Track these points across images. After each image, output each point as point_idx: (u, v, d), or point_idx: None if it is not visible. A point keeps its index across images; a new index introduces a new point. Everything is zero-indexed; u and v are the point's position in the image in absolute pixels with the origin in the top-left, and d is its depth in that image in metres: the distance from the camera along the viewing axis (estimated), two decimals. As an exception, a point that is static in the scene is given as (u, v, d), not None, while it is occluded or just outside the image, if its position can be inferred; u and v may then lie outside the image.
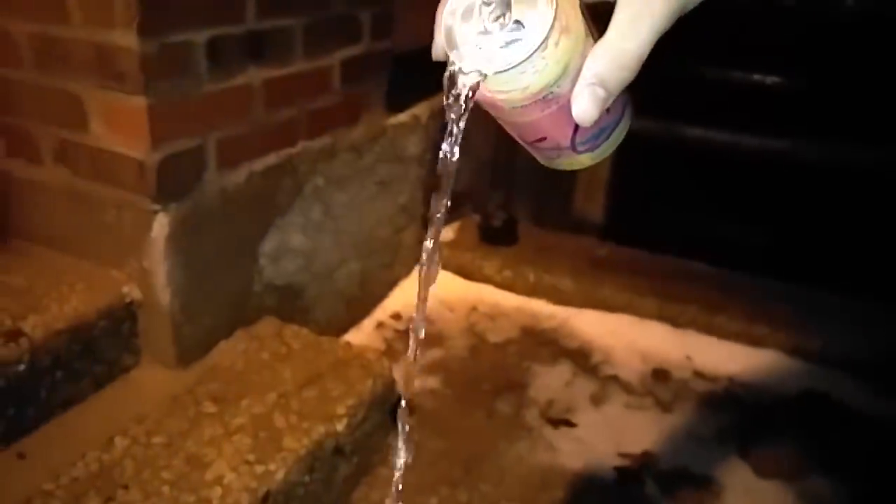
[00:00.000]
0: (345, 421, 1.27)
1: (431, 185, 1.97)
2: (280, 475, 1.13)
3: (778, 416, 1.63)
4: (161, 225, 1.22)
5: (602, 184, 2.20)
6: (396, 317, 1.85)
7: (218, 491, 1.08)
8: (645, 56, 0.43)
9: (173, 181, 1.22)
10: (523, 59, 0.42)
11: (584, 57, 0.43)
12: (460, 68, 0.43)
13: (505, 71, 0.42)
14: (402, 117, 1.81)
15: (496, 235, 2.09)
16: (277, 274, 1.50)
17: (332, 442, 1.25)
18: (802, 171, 1.96)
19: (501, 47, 0.43)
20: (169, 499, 1.06)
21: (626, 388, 1.68)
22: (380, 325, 1.82)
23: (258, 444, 1.17)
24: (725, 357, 1.79)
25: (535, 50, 0.41)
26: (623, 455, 1.49)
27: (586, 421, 1.58)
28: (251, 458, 1.15)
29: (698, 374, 1.74)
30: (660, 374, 1.73)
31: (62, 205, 1.30)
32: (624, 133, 0.51)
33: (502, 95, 0.44)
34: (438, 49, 0.45)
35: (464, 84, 0.43)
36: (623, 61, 0.43)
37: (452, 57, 0.44)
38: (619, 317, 1.90)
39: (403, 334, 1.81)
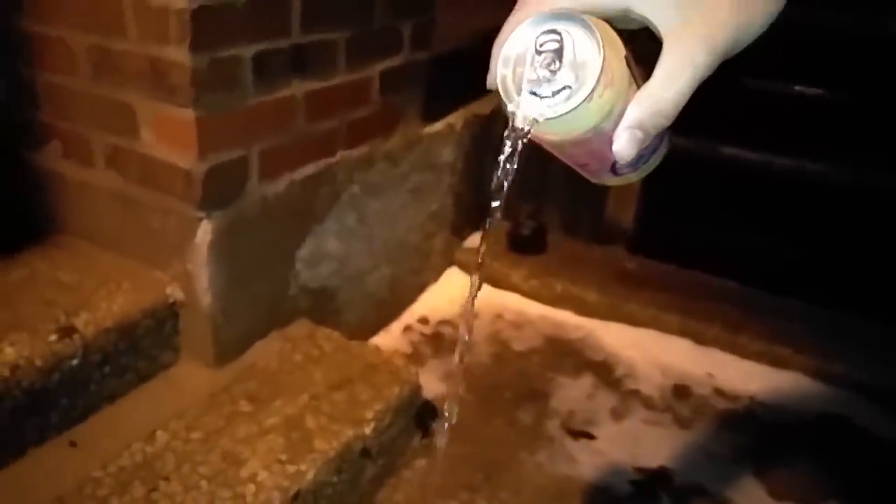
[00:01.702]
0: (372, 425, 1.32)
1: (462, 193, 2.02)
2: (310, 475, 1.19)
3: (796, 438, 1.65)
4: (205, 232, 1.28)
5: (633, 195, 2.22)
6: (423, 321, 1.90)
7: (252, 488, 1.14)
8: (683, 103, 0.48)
9: (218, 190, 1.27)
10: (570, 109, 0.47)
11: (627, 101, 0.49)
12: (514, 115, 0.49)
13: (554, 119, 0.48)
14: (438, 126, 1.85)
15: (525, 244, 2.12)
16: (312, 278, 1.56)
17: (360, 444, 1.30)
18: (835, 193, 1.96)
19: (551, 97, 0.48)
20: (207, 493, 1.12)
21: (647, 402, 1.72)
22: (407, 328, 1.87)
23: (290, 444, 1.23)
24: (746, 376, 1.81)
25: (582, 102, 0.47)
26: (639, 469, 1.53)
27: (606, 434, 1.61)
28: (283, 457, 1.21)
29: (719, 392, 1.76)
30: (680, 390, 1.76)
31: (111, 206, 1.36)
32: (661, 157, 0.58)
33: (550, 136, 0.50)
34: (492, 80, 0.50)
35: (518, 128, 0.49)
36: (661, 108, 0.48)
37: (508, 105, 0.49)
38: (644, 331, 1.93)
39: (429, 338, 1.86)
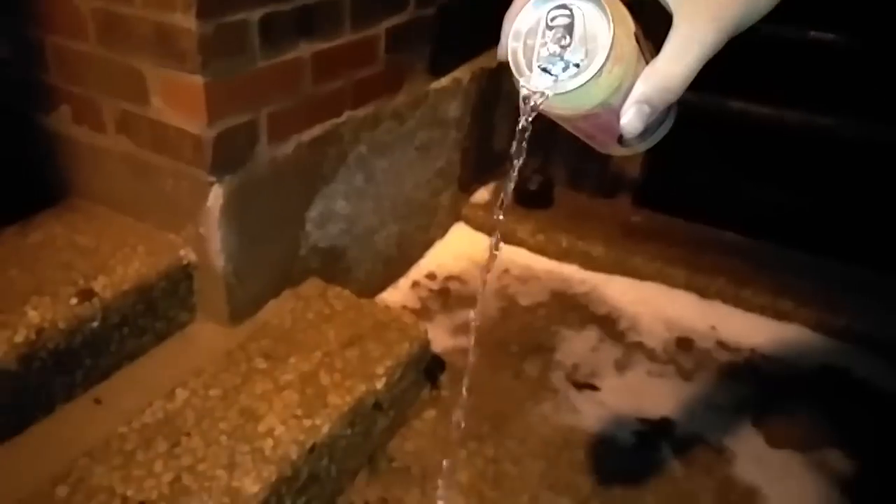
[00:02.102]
0: (384, 380, 1.37)
1: (469, 148, 2.03)
2: (325, 429, 1.24)
3: (796, 390, 1.70)
4: (216, 196, 1.30)
5: (639, 148, 2.22)
6: (431, 276, 1.94)
7: (270, 442, 1.20)
8: (690, 79, 0.50)
9: (228, 155, 1.29)
10: (580, 85, 0.49)
11: (635, 77, 0.51)
12: (525, 89, 0.51)
13: (563, 94, 0.50)
14: (444, 81, 1.85)
15: (532, 198, 2.14)
16: (322, 237, 1.59)
17: (372, 399, 1.35)
18: (844, 147, 1.95)
19: (561, 72, 0.50)
20: (227, 447, 1.17)
21: (650, 355, 1.76)
22: (415, 284, 1.91)
23: (305, 400, 1.28)
24: (749, 329, 1.84)
25: (591, 78, 0.49)
26: (642, 420, 1.58)
27: (609, 386, 1.66)
28: (299, 412, 1.26)
29: (721, 345, 1.80)
30: (683, 343, 1.80)
31: (123, 170, 1.39)
32: (667, 130, 0.60)
33: (559, 110, 0.52)
34: (502, 52, 0.52)
35: (529, 100, 0.51)
36: (668, 84, 0.50)
37: (520, 80, 0.51)
38: (649, 285, 1.96)
39: (437, 294, 1.90)
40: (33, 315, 1.17)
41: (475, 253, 2.05)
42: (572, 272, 2.01)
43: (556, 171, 2.24)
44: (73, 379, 1.22)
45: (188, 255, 1.37)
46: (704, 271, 1.94)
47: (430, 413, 1.54)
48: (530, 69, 0.51)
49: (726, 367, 1.75)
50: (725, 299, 1.90)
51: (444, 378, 1.62)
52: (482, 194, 2.18)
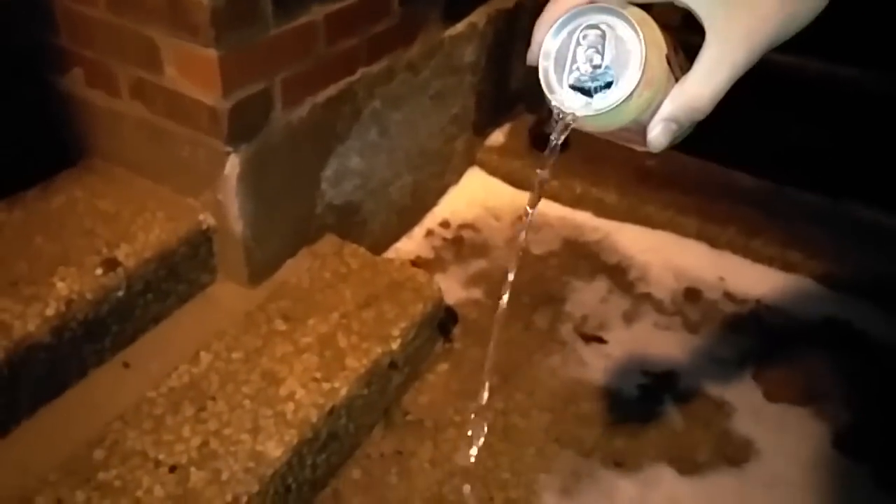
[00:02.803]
0: (399, 341, 1.42)
1: (484, 91, 2.00)
2: (343, 392, 1.31)
3: (797, 342, 1.74)
4: (233, 165, 1.31)
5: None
6: (445, 224, 1.96)
7: (291, 406, 1.26)
8: (718, 99, 0.50)
9: (243, 124, 1.29)
10: (610, 108, 0.50)
11: (665, 94, 0.51)
12: (558, 108, 0.52)
13: (593, 115, 0.51)
14: (459, 27, 1.80)
15: (547, 142, 2.11)
16: (337, 195, 1.60)
17: (388, 359, 1.41)
18: (866, 99, 1.91)
19: (592, 93, 0.51)
20: (250, 411, 1.24)
21: (658, 307, 1.80)
22: (429, 232, 1.94)
23: (324, 363, 1.34)
24: (757, 280, 1.87)
25: (622, 102, 0.49)
26: (647, 373, 1.64)
27: (617, 338, 1.71)
28: (318, 375, 1.32)
29: (728, 296, 1.84)
30: (691, 294, 1.84)
31: (140, 135, 1.39)
32: (690, 131, 0.59)
33: (590, 127, 0.53)
34: (532, 58, 0.53)
35: (560, 117, 0.52)
36: (697, 105, 0.50)
37: (552, 99, 0.52)
38: (660, 234, 1.97)
39: (451, 243, 1.93)
40: (62, 287, 1.22)
41: (489, 199, 2.06)
42: (585, 219, 2.02)
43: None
44: (103, 345, 1.28)
45: (207, 219, 1.40)
46: (716, 220, 1.95)
47: (443, 366, 1.60)
48: (561, 86, 0.52)
49: (731, 319, 1.79)
50: (735, 250, 1.92)
51: (456, 331, 1.68)
52: (497, 137, 2.16)
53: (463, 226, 1.97)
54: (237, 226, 1.38)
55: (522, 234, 0.66)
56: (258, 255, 1.45)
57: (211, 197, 1.37)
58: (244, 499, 1.13)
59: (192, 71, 1.23)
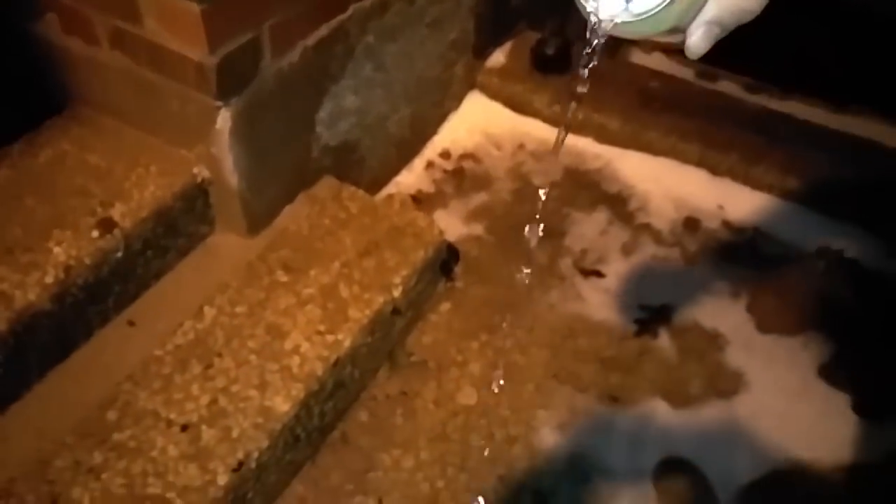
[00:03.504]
0: (401, 289, 1.43)
1: (483, 12, 1.90)
2: (347, 343, 1.33)
3: (791, 272, 1.76)
4: (224, 119, 1.27)
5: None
6: (445, 155, 1.92)
7: (297, 360, 1.29)
8: None
9: (233, 77, 1.24)
10: (651, 13, 0.48)
11: None
12: (596, 15, 0.50)
13: (632, 22, 0.49)
14: (456, -53, 1.69)
15: (549, 63, 2.04)
16: (333, 135, 1.56)
17: (390, 307, 1.43)
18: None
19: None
20: (257, 367, 1.27)
21: (657, 237, 1.80)
22: (429, 164, 1.90)
23: (327, 315, 1.36)
24: (755, 207, 1.86)
25: (663, 6, 0.47)
26: (643, 307, 1.66)
27: (615, 271, 1.73)
28: (322, 328, 1.34)
29: (726, 224, 1.84)
30: (691, 224, 1.83)
31: (125, 86, 1.34)
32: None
33: (629, 35, 0.51)
34: None
35: (597, 26, 0.51)
36: (746, 5, 0.47)
37: (587, 6, 0.51)
38: (662, 161, 1.94)
39: (451, 175, 1.90)
40: (58, 252, 1.21)
41: (489, 125, 2.01)
42: (587, 146, 1.98)
43: (575, 28, 2.11)
44: (106, 305, 1.29)
45: (202, 172, 1.37)
46: (717, 147, 1.91)
47: (446, 306, 1.62)
48: None
49: (728, 249, 1.79)
50: (735, 177, 1.90)
51: (458, 269, 1.69)
52: (498, 58, 2.08)
53: (464, 156, 1.93)
54: (232, 178, 1.35)
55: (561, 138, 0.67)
56: (255, 204, 1.43)
57: (204, 150, 1.34)
58: (255, 454, 1.18)
59: (174, 24, 1.17)
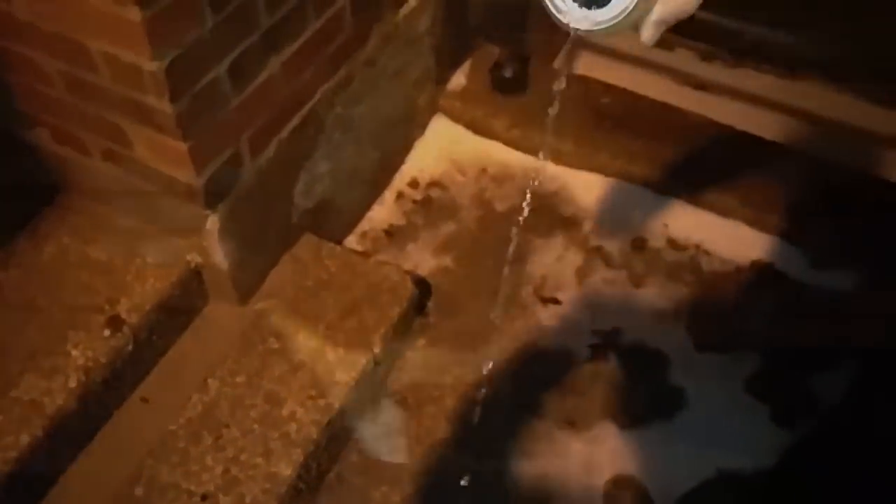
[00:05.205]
0: (380, 345, 1.61)
1: (441, 44, 1.98)
2: (337, 405, 1.51)
3: (728, 287, 1.96)
4: (213, 222, 1.39)
5: None
6: (414, 184, 2.05)
7: (294, 426, 1.48)
8: None
9: (219, 188, 1.36)
10: (614, 21, 0.61)
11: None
12: (568, 25, 0.64)
13: (593, 30, 0.63)
14: (412, 2, 1.76)
15: (507, 85, 2.14)
16: (309, 200, 1.69)
17: (372, 362, 1.61)
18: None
19: (597, 8, 0.62)
20: (260, 435, 1.46)
21: (607, 260, 1.98)
22: (399, 195, 2.02)
23: (317, 380, 1.53)
24: (697, 225, 2.02)
25: (625, 14, 0.61)
26: (596, 331, 1.86)
27: (570, 297, 1.91)
28: (313, 392, 1.52)
29: (671, 243, 2.01)
30: (638, 244, 2.00)
31: (118, 189, 1.44)
32: None
33: (594, 38, 0.68)
34: None
35: (572, 34, 0.65)
36: (685, 7, 0.61)
37: (559, 16, 0.64)
38: (613, 181, 2.08)
39: (420, 205, 2.03)
40: (76, 355, 1.36)
41: (453, 150, 2.12)
42: (545, 168, 2.12)
43: (533, 39, 2.19)
44: (122, 390, 1.46)
45: (194, 258, 1.50)
46: (663, 167, 2.06)
47: (421, 342, 1.80)
48: (566, 4, 0.63)
49: (672, 268, 1.97)
50: (679, 195, 2.05)
51: (430, 304, 1.86)
52: (458, 79, 2.16)
53: (431, 184, 2.06)
54: (223, 264, 1.49)
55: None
56: (244, 278, 1.57)
57: (197, 241, 1.46)
58: (267, 515, 1.39)
59: (163, 155, 1.27)
